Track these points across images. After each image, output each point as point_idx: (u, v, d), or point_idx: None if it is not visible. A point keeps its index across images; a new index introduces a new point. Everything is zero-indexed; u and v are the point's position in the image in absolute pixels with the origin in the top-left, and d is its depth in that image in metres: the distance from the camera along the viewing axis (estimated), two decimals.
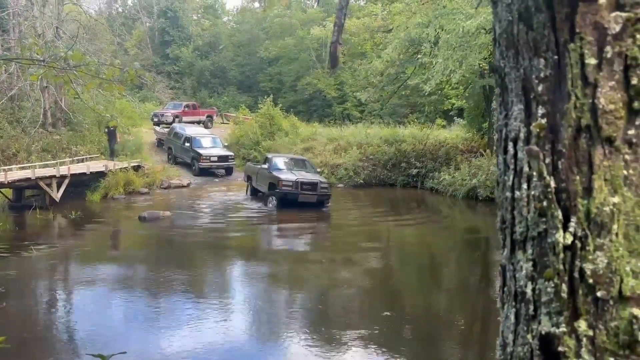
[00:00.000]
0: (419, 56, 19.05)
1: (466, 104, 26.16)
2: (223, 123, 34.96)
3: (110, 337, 6.67)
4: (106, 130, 21.99)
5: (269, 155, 18.29)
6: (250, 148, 27.06)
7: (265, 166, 17.28)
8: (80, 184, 18.19)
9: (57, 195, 16.75)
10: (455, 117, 30.20)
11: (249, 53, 47.09)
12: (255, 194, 18.43)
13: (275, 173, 16.64)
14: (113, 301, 8.11)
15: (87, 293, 8.59)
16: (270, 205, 16.49)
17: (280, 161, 17.83)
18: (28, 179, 16.23)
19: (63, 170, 17.21)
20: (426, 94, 22.68)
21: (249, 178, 19.05)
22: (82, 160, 20.18)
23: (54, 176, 16.83)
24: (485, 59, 18.72)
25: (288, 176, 16.29)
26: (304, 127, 30.15)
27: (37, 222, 14.86)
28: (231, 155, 24.62)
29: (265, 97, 30.65)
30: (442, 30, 16.51)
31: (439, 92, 25.11)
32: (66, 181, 17.16)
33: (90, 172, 18.23)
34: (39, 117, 20.74)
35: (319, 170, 18.95)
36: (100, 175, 18.68)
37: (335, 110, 40.41)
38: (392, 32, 23.85)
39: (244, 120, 30.33)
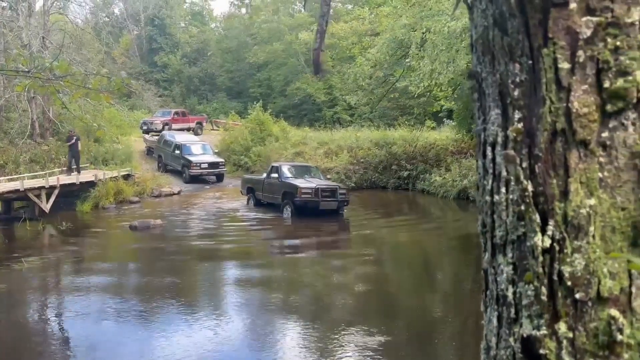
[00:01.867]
0: (407, 60, 19.13)
1: (455, 106, 26.27)
2: (213, 130, 34.87)
3: (104, 350, 6.62)
4: (66, 140, 19.92)
5: (277, 164, 17.65)
6: (240, 154, 27.00)
7: (275, 175, 16.59)
8: (70, 195, 18.06)
9: (46, 206, 16.62)
10: (444, 119, 30.32)
11: (238, 59, 47.05)
12: (259, 204, 17.79)
13: (290, 181, 16.04)
14: (106, 313, 8.04)
15: (80, 306, 8.51)
16: (286, 214, 15.90)
17: (289, 169, 17.26)
18: (17, 191, 16.10)
19: (52, 181, 17.09)
20: (415, 96, 22.80)
21: (250, 190, 18.33)
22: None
23: (43, 187, 16.71)
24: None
25: (306, 184, 15.70)
26: (294, 131, 30.14)
27: (27, 233, 14.73)
28: (222, 162, 24.56)
29: (254, 103, 30.62)
30: (429, 32, 16.61)
31: (428, 94, 25.21)
32: (55, 192, 17.03)
33: (80, 182, 18.11)
34: (26, 128, 20.60)
35: (329, 176, 18.59)
36: (90, 185, 18.57)
37: (325, 114, 40.43)
38: (379, 35, 23.97)
39: (234, 126, 30.27)
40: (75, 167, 18.80)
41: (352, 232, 15.24)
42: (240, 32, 48.15)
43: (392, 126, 29.87)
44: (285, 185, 16.05)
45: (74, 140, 18.94)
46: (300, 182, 15.77)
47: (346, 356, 6.40)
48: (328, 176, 18.34)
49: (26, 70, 5.37)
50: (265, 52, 43.25)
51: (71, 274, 10.84)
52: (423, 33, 16.83)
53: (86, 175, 19.19)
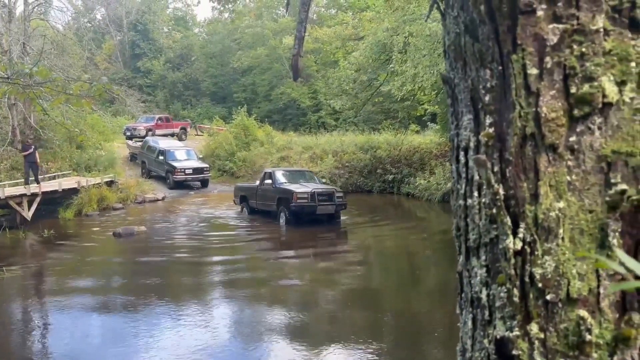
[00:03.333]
0: (390, 65, 19.25)
1: (439, 109, 26.47)
2: (197, 135, 34.75)
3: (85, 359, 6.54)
4: (22, 149, 18.30)
5: (269, 170, 17.07)
6: (225, 159, 26.93)
7: (269, 182, 16.07)
8: (52, 202, 17.84)
9: (28, 214, 16.40)
10: (428, 122, 30.54)
11: (222, 64, 46.98)
12: (253, 212, 17.26)
13: (284, 187, 15.50)
14: (89, 323, 7.95)
15: (63, 315, 8.40)
16: (282, 221, 15.32)
17: (283, 175, 16.68)
18: None
19: (34, 188, 16.87)
20: (398, 99, 22.94)
21: (243, 199, 17.77)
22: (54, 177, 19.82)
23: (25, 195, 16.48)
24: None
25: (301, 188, 15.11)
26: (279, 136, 30.16)
27: (8, 242, 14.50)
28: (206, 167, 24.45)
29: (239, 108, 30.59)
30: (411, 36, 16.73)
31: (412, 97, 25.38)
32: (37, 199, 16.81)
33: (62, 189, 17.89)
34: (7, 135, 20.32)
35: (324, 180, 17.86)
36: (73, 192, 18.35)
37: (310, 118, 40.52)
38: (363, 39, 24.10)
39: (218, 131, 30.19)
40: (33, 178, 17.39)
41: (352, 240, 14.74)
42: (223, 37, 48.10)
43: (377, 130, 30.04)
44: (279, 191, 15.53)
45: (31, 150, 17.52)
46: (296, 187, 15.26)
47: None
48: (323, 180, 17.69)
49: (5, 76, 5.31)
50: (249, 57, 43.25)
51: (54, 282, 10.69)
52: (405, 37, 16.95)
53: (68, 182, 18.97)
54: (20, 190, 16.65)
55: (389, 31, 18.83)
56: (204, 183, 24.34)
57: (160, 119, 33.00)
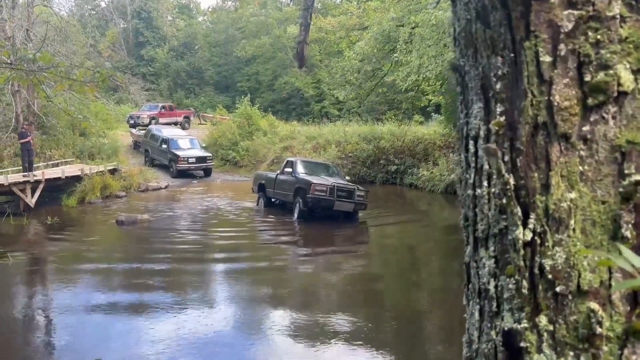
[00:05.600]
0: (395, 54, 19.13)
1: (443, 100, 26.38)
2: (200, 124, 34.71)
3: (90, 346, 6.57)
4: (20, 136, 17.82)
5: (291, 159, 16.35)
6: (228, 149, 26.91)
7: (288, 170, 15.38)
8: (55, 189, 17.85)
9: (31, 200, 16.41)
10: (432, 113, 30.43)
11: (226, 53, 46.81)
12: (270, 205, 16.53)
13: (303, 177, 14.73)
14: (93, 308, 7.99)
15: (66, 300, 8.44)
16: (296, 214, 14.62)
17: (305, 165, 15.90)
18: (1, 185, 15.88)
19: (37, 175, 16.88)
20: (402, 90, 22.84)
21: (261, 187, 16.85)
22: (57, 165, 19.83)
23: (28, 181, 16.49)
24: None
25: (321, 181, 14.34)
26: (282, 126, 30.09)
27: (12, 229, 14.54)
28: (209, 157, 24.44)
29: (242, 97, 30.51)
30: (417, 26, 16.61)
31: (416, 88, 25.27)
32: (41, 186, 16.82)
33: (66, 177, 17.90)
34: (10, 122, 20.31)
35: (348, 178, 16.78)
36: (76, 179, 18.35)
37: (313, 108, 40.44)
38: (367, 29, 23.95)
39: (222, 120, 30.14)
40: (27, 165, 17.02)
41: (372, 238, 14.34)
42: (227, 25, 47.88)
43: (380, 121, 29.94)
44: (298, 181, 14.77)
45: (28, 137, 17.32)
46: (315, 179, 14.49)
47: None
48: (347, 178, 16.70)
49: (8, 62, 5.29)
50: (253, 46, 43.07)
51: (58, 268, 10.73)
52: (412, 28, 16.82)
53: (71, 170, 18.98)
54: (23, 177, 16.66)
55: (394, 21, 18.70)
56: (207, 172, 24.35)
57: (163, 107, 32.93)
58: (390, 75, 23.34)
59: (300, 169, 15.37)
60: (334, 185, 14.03)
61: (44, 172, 17.32)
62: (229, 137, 27.21)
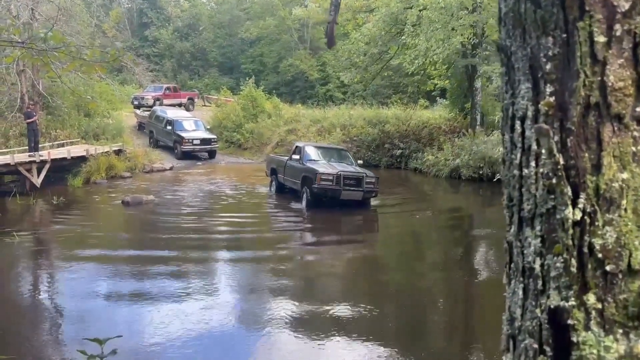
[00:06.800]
0: (402, 37, 18.99)
1: (449, 84, 26.25)
2: (204, 105, 34.62)
3: (96, 322, 6.65)
4: (26, 116, 17.76)
5: (300, 144, 15.73)
6: (233, 131, 26.88)
7: (296, 157, 14.80)
8: (61, 169, 17.91)
9: (37, 180, 16.49)
10: (437, 98, 30.32)
11: (230, 34, 46.50)
12: (282, 190, 16.01)
13: (310, 165, 14.13)
14: (99, 286, 8.06)
15: (72, 278, 8.52)
16: (303, 202, 14.18)
17: (314, 151, 15.27)
18: (7, 165, 15.95)
19: (43, 155, 16.93)
20: (409, 73, 22.73)
21: (273, 172, 16.38)
22: (62, 145, 19.87)
23: (34, 161, 16.55)
24: (468, 38, 18.80)
25: (327, 169, 13.80)
26: (287, 109, 29.99)
27: (18, 208, 14.64)
28: (214, 139, 24.44)
29: (247, 79, 30.38)
30: (425, 9, 16.47)
31: (422, 72, 25.14)
32: (47, 166, 16.88)
33: (71, 157, 17.95)
34: (16, 102, 20.31)
35: (360, 162, 16.22)
36: (82, 159, 18.41)
37: (318, 91, 40.29)
38: (374, 11, 23.76)
39: (226, 102, 30.06)
40: (33, 145, 17.12)
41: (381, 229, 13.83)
42: (232, 6, 47.48)
43: (386, 104, 29.86)
44: (304, 169, 14.23)
45: (34, 117, 17.38)
46: (321, 167, 13.95)
47: None
48: (360, 162, 16.12)
49: (19, 41, 5.27)
50: (257, 27, 42.76)
51: (64, 248, 10.81)
52: (420, 11, 16.67)
53: (77, 150, 19.03)
54: (29, 157, 16.71)
55: (403, 2, 18.53)
56: (212, 154, 24.38)
57: (168, 88, 32.83)
58: (396, 59, 23.21)
59: (308, 155, 14.82)
60: (340, 174, 13.50)
61: (49, 152, 17.38)
62: (233, 119, 27.16)
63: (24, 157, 16.68)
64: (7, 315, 7.04)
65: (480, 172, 18.91)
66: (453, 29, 15.09)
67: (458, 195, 18.69)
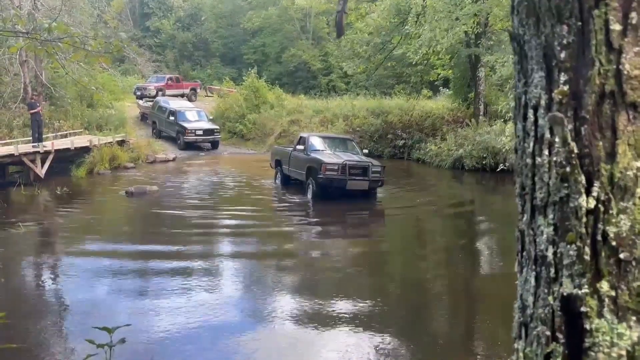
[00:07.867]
0: (406, 27, 18.90)
1: (452, 74, 26.15)
2: (207, 96, 34.57)
3: (100, 311, 6.69)
4: (29, 107, 17.82)
5: (304, 135, 15.51)
6: (235, 121, 26.87)
7: (301, 147, 14.59)
8: (64, 160, 17.94)
9: (41, 171, 16.53)
10: (440, 88, 30.20)
11: (232, 24, 46.31)
12: (287, 182, 15.82)
13: (315, 155, 13.95)
14: (105, 277, 8.10)
15: (77, 269, 8.56)
16: (308, 193, 14.02)
17: (318, 141, 15.09)
18: (11, 155, 15.99)
19: (47, 145, 16.96)
20: (413, 63, 22.64)
21: (277, 163, 16.28)
22: (66, 136, 19.89)
23: (38, 152, 16.58)
24: (471, 28, 18.70)
25: (332, 159, 13.59)
26: (289, 99, 29.95)
27: (23, 198, 14.69)
28: (217, 129, 24.45)
29: (249, 69, 30.32)
30: None
31: (425, 62, 25.03)
32: (50, 157, 16.91)
33: (75, 148, 17.98)
34: (19, 92, 20.31)
35: (366, 151, 15.93)
36: (85, 150, 18.44)
37: (320, 82, 40.16)
38: (377, 1, 23.63)
39: (229, 93, 30.02)
40: (37, 135, 17.13)
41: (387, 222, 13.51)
42: None
43: (388, 95, 29.75)
44: (309, 159, 14.08)
45: (38, 108, 17.34)
46: (326, 157, 13.74)
47: None
48: (365, 151, 15.87)
49: (23, 31, 5.26)
50: (260, 17, 42.57)
51: (69, 238, 10.85)
52: (424, 0, 16.57)
53: (80, 141, 19.05)
54: (33, 147, 16.73)
55: None
56: (214, 144, 24.40)
57: (170, 79, 32.79)
58: (399, 49, 23.11)
59: (312, 145, 14.66)
60: (345, 164, 13.32)
61: (53, 143, 17.40)
62: (236, 110, 27.14)
63: (27, 147, 16.71)
64: (13, 305, 7.08)
65: (484, 162, 18.88)
66: (457, 19, 15.00)
67: (464, 186, 18.66)
